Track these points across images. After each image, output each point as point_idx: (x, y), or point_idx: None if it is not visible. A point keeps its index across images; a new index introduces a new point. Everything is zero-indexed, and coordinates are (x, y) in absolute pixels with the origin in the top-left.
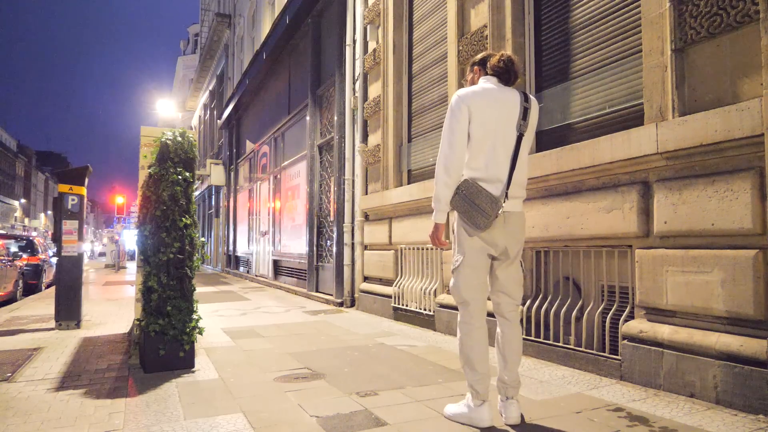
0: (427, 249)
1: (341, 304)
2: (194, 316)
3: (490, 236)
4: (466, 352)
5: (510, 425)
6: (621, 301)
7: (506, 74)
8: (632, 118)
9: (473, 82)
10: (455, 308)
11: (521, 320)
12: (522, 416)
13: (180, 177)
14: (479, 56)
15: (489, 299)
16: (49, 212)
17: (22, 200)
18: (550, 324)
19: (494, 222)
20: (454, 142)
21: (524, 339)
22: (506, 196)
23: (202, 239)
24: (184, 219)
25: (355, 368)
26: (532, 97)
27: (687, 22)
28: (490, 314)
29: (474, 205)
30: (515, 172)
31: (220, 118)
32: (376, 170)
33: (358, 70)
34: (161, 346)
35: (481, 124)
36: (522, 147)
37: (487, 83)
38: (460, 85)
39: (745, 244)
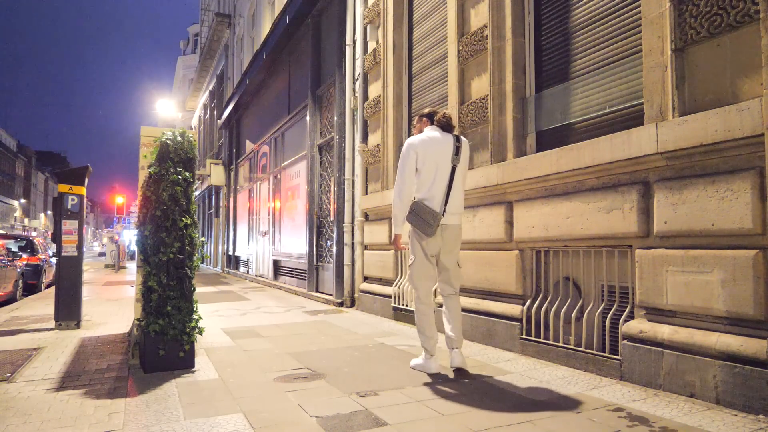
0: None
1: (341, 304)
2: (194, 316)
3: (432, 242)
4: (419, 323)
5: (454, 367)
6: (621, 301)
7: (447, 126)
8: (632, 118)
9: (420, 130)
10: None
11: (521, 320)
12: (465, 362)
13: (180, 177)
14: (426, 111)
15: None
16: (49, 212)
17: (22, 200)
18: (550, 324)
19: (435, 231)
20: (405, 176)
21: (524, 339)
22: (444, 211)
23: (202, 239)
24: (184, 219)
25: (355, 368)
26: (463, 139)
27: (687, 22)
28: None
29: (421, 219)
30: (451, 192)
31: (220, 118)
32: (376, 170)
33: (358, 70)
34: (161, 346)
35: (425, 161)
36: (456, 175)
37: (431, 131)
38: (460, 86)
39: (745, 244)
